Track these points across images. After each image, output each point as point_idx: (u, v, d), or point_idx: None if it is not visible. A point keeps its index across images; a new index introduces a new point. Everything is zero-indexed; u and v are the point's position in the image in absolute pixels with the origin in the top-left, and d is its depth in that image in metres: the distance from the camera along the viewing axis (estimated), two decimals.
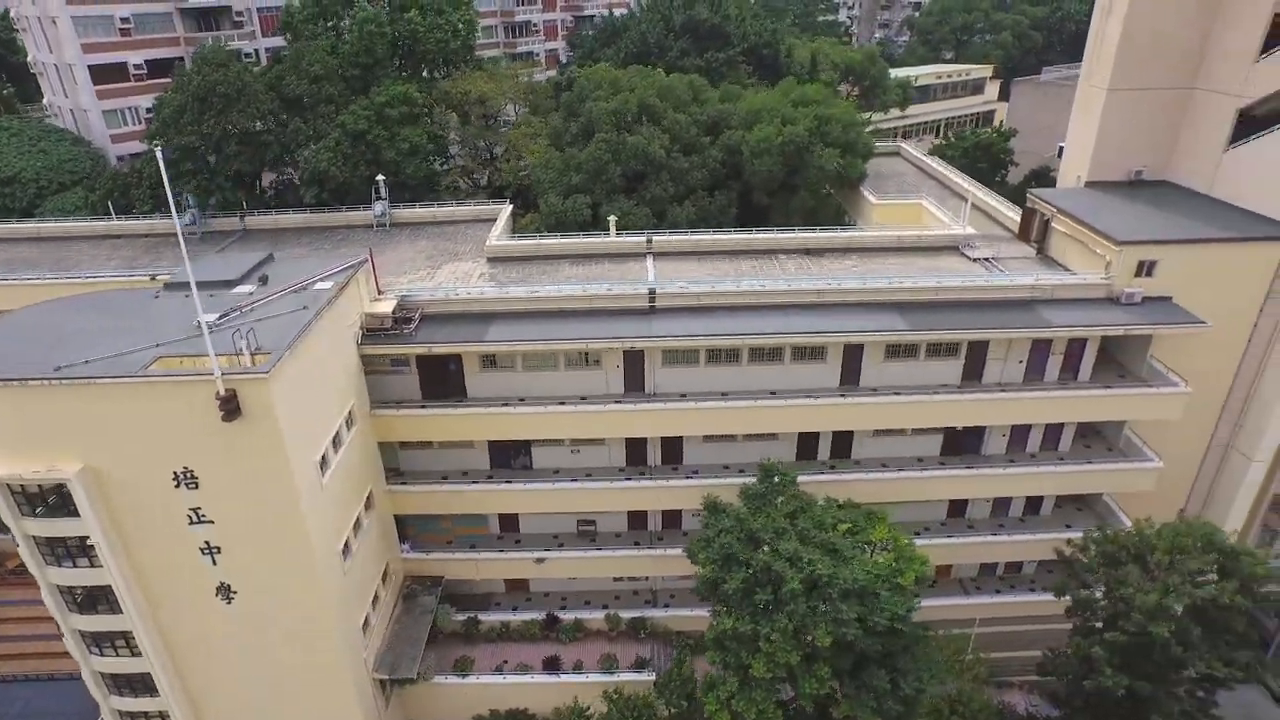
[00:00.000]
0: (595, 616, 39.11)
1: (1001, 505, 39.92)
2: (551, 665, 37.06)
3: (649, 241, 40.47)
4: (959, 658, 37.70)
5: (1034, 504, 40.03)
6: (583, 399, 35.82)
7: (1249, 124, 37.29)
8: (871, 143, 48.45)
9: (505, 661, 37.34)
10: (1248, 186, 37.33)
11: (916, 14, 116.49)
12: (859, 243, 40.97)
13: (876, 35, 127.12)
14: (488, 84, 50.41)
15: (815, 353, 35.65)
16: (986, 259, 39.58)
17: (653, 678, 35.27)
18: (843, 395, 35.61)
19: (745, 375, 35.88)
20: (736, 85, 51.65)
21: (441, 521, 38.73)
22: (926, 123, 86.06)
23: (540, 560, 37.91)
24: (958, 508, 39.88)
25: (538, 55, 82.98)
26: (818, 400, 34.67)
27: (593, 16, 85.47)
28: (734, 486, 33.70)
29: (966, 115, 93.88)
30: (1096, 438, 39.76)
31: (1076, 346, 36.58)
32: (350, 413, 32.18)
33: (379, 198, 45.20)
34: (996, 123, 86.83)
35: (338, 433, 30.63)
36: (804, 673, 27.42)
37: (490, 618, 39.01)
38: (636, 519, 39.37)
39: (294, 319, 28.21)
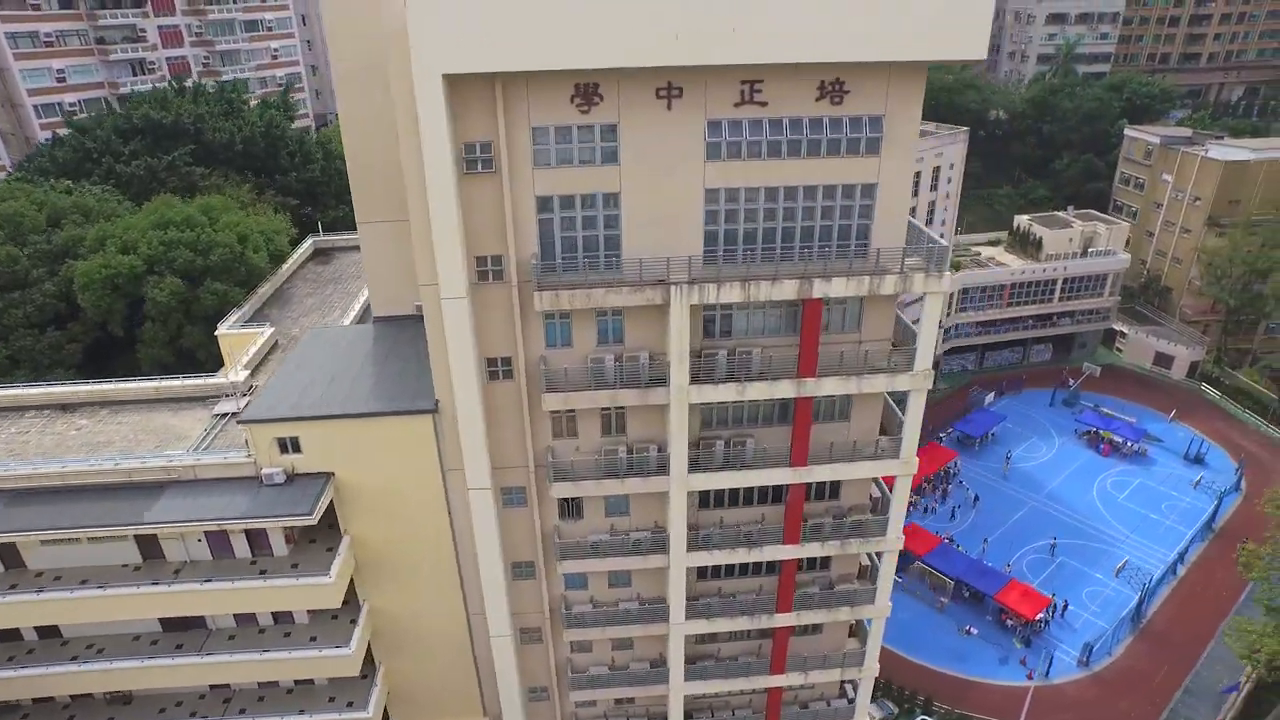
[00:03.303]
0: None
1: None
2: None
3: None
4: None
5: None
6: None
7: None
8: (260, 264, 44.86)
9: None
10: None
11: None
12: (116, 395, 37.82)
13: None
14: None
15: None
16: (226, 415, 36.20)
17: None
18: None
19: None
20: (159, 197, 48.18)
21: None
22: None
23: None
24: (220, 686, 36.75)
25: None
26: None
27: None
28: None
29: None
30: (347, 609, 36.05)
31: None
32: None
33: None
34: None
35: None
36: None
37: None
38: None
39: None
